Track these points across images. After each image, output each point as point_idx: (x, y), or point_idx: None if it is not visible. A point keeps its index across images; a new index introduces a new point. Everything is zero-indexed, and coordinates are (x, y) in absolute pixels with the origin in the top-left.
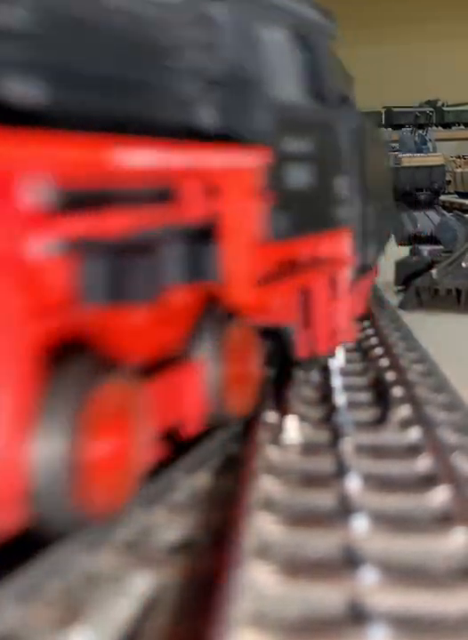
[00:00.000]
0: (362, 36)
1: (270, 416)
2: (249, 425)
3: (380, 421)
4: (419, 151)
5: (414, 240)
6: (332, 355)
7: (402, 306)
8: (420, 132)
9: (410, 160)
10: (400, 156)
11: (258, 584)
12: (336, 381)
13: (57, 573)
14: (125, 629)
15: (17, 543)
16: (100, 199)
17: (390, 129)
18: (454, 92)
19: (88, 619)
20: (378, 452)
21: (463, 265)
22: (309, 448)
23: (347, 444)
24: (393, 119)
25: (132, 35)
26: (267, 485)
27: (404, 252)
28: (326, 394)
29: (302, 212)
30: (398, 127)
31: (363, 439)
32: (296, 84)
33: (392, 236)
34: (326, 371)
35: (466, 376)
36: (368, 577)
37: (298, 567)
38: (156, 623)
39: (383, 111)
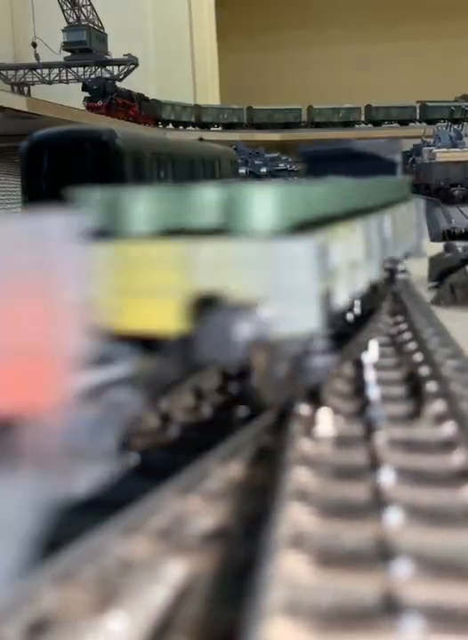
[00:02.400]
0: (398, 32)
1: (303, 408)
2: (282, 417)
3: (414, 416)
4: (454, 146)
5: (448, 236)
6: None
7: (436, 302)
8: (455, 126)
9: (445, 155)
10: (435, 151)
11: (292, 574)
12: (370, 375)
13: (92, 559)
14: (159, 615)
15: (54, 528)
16: None
17: (425, 124)
18: None
19: (123, 604)
20: (412, 446)
21: None
22: (342, 441)
23: (380, 438)
24: (428, 114)
25: None
26: (300, 477)
27: (438, 247)
28: (359, 387)
29: None
30: (432, 122)
31: (397, 433)
32: None
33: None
34: (359, 365)
35: None
36: (402, 569)
37: (332, 558)
38: (189, 610)
39: (417, 106)
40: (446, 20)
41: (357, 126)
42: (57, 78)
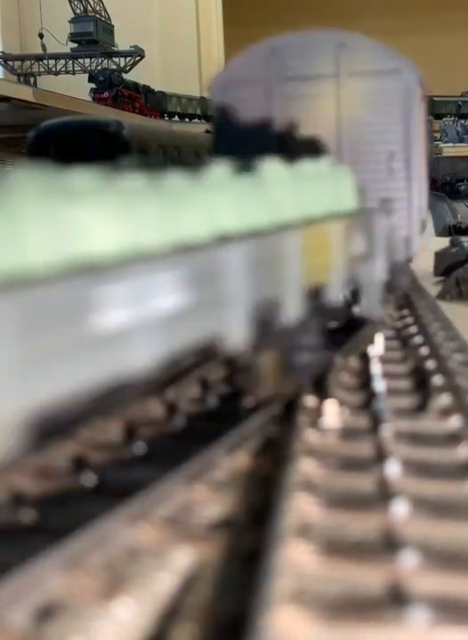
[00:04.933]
0: (404, 25)
1: (310, 400)
2: (288, 408)
3: (420, 409)
4: (461, 141)
5: (454, 231)
6: None
7: (442, 296)
8: (462, 121)
9: (451, 150)
10: (441, 145)
11: (298, 563)
12: (376, 368)
13: (99, 546)
14: (166, 602)
15: (62, 516)
16: None
17: (432, 118)
18: None
19: (129, 591)
20: (418, 439)
21: None
22: (348, 433)
23: (386, 430)
24: (435, 108)
25: None
26: (306, 468)
27: (444, 242)
28: (365, 380)
29: None
30: (439, 117)
31: (403, 426)
32: None
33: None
34: (365, 358)
35: None
36: (408, 560)
37: (338, 548)
38: (196, 598)
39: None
40: (452, 14)
41: None
42: (63, 69)
